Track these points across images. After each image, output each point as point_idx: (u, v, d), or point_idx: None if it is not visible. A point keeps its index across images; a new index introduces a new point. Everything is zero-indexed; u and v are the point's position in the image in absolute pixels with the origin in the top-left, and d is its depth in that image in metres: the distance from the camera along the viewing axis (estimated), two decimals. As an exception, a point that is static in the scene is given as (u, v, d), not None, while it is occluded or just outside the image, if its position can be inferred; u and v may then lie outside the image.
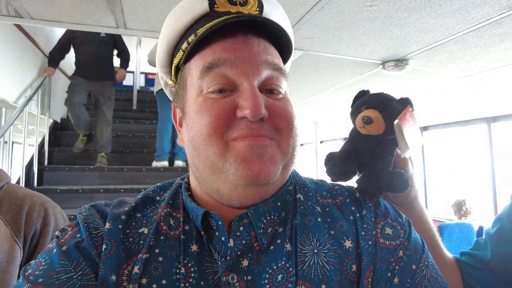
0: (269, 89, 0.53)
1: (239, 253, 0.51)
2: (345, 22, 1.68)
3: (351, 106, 0.66)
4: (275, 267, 0.51)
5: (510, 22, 1.62)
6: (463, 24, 1.65)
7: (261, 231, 0.53)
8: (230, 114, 0.50)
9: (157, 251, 0.52)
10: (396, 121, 0.56)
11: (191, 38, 0.53)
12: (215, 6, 0.53)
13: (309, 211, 0.57)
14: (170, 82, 0.62)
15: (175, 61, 0.57)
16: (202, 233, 0.53)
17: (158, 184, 0.64)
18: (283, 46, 0.56)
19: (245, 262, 0.51)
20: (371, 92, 0.65)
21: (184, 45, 0.54)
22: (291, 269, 0.50)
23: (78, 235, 0.53)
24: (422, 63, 2.27)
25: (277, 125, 0.52)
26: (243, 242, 0.51)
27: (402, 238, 0.54)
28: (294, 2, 1.47)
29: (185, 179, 0.63)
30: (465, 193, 4.60)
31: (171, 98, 0.67)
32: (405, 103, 0.61)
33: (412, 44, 1.93)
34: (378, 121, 0.55)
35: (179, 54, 0.56)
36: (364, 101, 0.60)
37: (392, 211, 0.59)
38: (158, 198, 0.61)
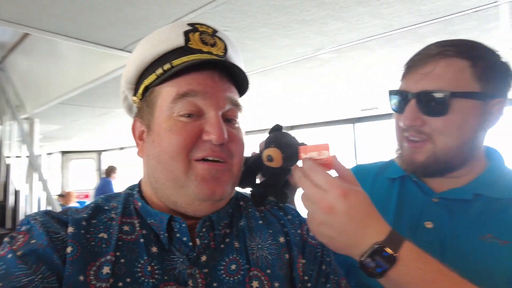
0: (228, 118, 0.64)
1: (201, 250, 0.61)
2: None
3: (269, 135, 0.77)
4: (227, 259, 0.63)
5: (316, 60, 2.19)
6: (288, 57, 2.10)
7: (219, 232, 0.65)
8: (197, 136, 0.59)
9: (118, 254, 0.57)
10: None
11: (167, 66, 0.61)
12: (190, 42, 0.62)
13: (251, 215, 0.72)
14: (134, 98, 0.67)
15: (146, 82, 0.63)
16: (166, 234, 0.60)
17: (102, 196, 0.69)
18: (242, 86, 0.68)
19: (204, 258, 0.61)
20: (282, 129, 0.75)
21: (159, 71, 0.61)
22: (241, 260, 0.64)
23: (33, 241, 0.54)
24: (256, 82, 2.68)
25: (231, 150, 0.63)
26: (205, 241, 0.62)
27: None
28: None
29: (136, 189, 0.68)
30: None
31: (128, 112, 0.73)
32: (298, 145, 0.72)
33: (249, 66, 2.28)
34: (278, 159, 0.67)
35: (152, 77, 0.62)
36: (273, 139, 0.71)
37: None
38: (106, 207, 0.65)
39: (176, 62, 0.60)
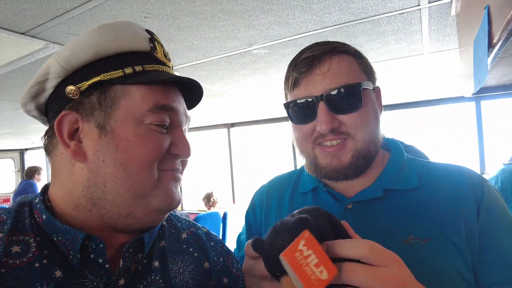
0: None
1: (122, 273, 0.56)
2: (117, 27, 1.63)
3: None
4: (145, 283, 0.60)
5: (249, 55, 2.10)
6: (219, 50, 1.98)
7: (145, 254, 0.61)
8: (166, 149, 0.59)
9: None
10: (280, 256, 0.46)
11: (138, 68, 0.59)
12: (155, 51, 0.62)
13: (174, 237, 0.69)
14: (71, 88, 0.57)
15: (105, 76, 0.57)
16: (79, 255, 0.53)
17: None
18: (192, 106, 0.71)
19: (122, 281, 0.57)
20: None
21: (128, 70, 0.58)
22: (160, 281, 0.61)
23: None
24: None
25: (184, 164, 0.65)
26: (128, 264, 0.57)
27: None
28: (60, -7, 1.28)
29: (39, 198, 0.59)
30: (211, 186, 5.44)
31: (28, 99, 0.62)
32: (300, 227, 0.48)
33: (178, 58, 2.11)
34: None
35: (116, 73, 0.57)
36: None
37: (232, 251, 0.79)
38: None
39: (148, 67, 0.60)
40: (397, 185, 0.76)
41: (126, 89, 0.57)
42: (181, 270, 0.65)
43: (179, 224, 0.74)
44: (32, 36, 1.68)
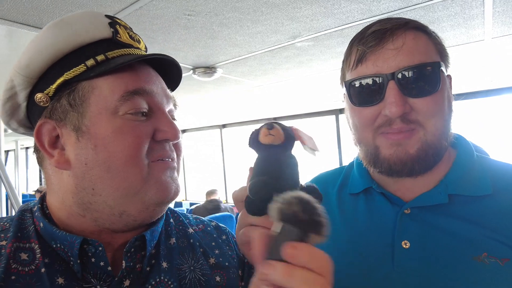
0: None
1: (125, 274, 0.54)
2: (162, 26, 1.66)
3: None
4: (153, 282, 0.57)
5: (293, 49, 2.05)
6: (262, 45, 1.95)
7: (150, 253, 0.58)
8: (150, 137, 0.54)
9: None
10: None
11: (101, 57, 0.54)
12: (118, 35, 0.57)
13: (181, 234, 0.66)
14: (39, 95, 0.54)
15: (69, 75, 0.53)
16: (78, 261, 0.51)
17: None
18: (174, 84, 0.65)
19: (127, 282, 0.54)
20: None
21: (90, 62, 0.53)
22: (169, 283, 0.57)
23: None
24: (227, 72, 2.52)
25: (177, 148, 0.60)
26: (131, 264, 0.55)
27: None
28: (109, -5, 1.33)
29: (37, 206, 0.57)
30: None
31: (7, 117, 0.60)
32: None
33: (221, 55, 2.12)
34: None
35: (79, 68, 0.53)
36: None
37: None
38: None
39: (111, 54, 0.55)
40: (465, 190, 0.65)
41: (93, 83, 0.53)
42: (192, 268, 0.61)
43: (186, 221, 0.71)
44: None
